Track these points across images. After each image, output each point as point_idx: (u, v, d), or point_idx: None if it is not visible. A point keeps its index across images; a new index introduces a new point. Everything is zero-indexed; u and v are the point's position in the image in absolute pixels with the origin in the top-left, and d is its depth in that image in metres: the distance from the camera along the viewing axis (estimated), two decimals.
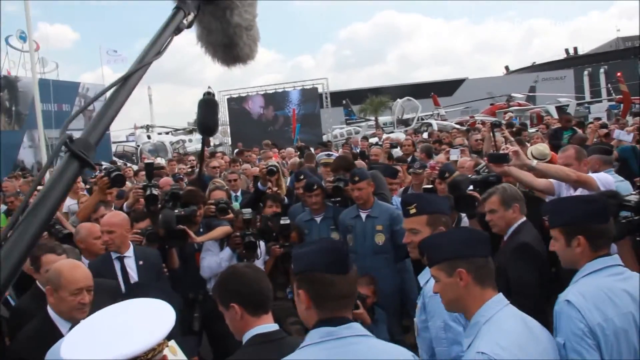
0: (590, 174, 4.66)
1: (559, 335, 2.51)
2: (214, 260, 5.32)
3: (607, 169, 5.20)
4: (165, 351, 1.79)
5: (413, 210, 3.26)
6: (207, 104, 1.92)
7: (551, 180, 4.77)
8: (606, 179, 4.51)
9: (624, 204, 3.17)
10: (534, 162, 4.52)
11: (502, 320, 2.26)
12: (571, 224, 2.67)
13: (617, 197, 3.19)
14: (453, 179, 5.62)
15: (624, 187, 4.85)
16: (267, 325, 2.57)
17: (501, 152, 4.75)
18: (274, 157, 11.98)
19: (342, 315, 2.13)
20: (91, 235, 4.78)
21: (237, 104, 32.61)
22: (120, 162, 20.53)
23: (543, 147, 8.39)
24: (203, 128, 1.96)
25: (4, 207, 7.98)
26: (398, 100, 40.56)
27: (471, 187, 5.13)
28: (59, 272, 3.21)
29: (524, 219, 4.23)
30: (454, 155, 7.72)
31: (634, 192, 3.31)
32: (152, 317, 1.80)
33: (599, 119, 15.79)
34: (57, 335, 2.97)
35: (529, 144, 9.63)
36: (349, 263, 2.20)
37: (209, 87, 2.07)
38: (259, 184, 6.32)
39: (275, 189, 6.38)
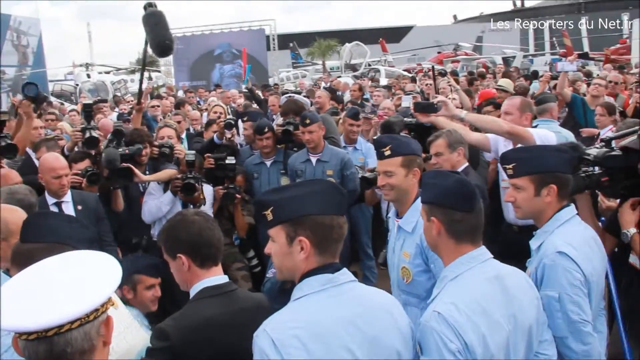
0: (529, 129, 4.26)
1: (551, 288, 2.45)
2: (155, 204, 5.06)
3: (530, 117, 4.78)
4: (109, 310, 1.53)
5: (388, 152, 3.16)
6: (152, 18, 1.61)
7: (487, 135, 4.47)
8: (546, 136, 4.08)
9: (584, 158, 3.11)
10: (463, 113, 4.23)
11: (469, 280, 2.15)
12: (544, 172, 2.60)
13: (578, 150, 3.12)
14: (386, 120, 5.55)
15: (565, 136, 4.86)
16: (217, 277, 2.39)
17: (430, 101, 4.53)
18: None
19: (336, 260, 1.99)
20: (6, 182, 4.29)
21: (182, 43, 31.46)
22: (57, 102, 19.38)
23: (508, 81, 9.36)
24: (158, 48, 1.65)
25: None
26: (347, 44, 40.08)
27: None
28: (5, 220, 2.88)
29: (467, 163, 4.26)
30: (406, 101, 7.56)
31: (596, 146, 3.23)
32: (94, 273, 1.50)
33: (536, 72, 16.30)
34: None
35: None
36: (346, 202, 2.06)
37: None
38: (215, 136, 5.86)
39: (229, 136, 6.04)
